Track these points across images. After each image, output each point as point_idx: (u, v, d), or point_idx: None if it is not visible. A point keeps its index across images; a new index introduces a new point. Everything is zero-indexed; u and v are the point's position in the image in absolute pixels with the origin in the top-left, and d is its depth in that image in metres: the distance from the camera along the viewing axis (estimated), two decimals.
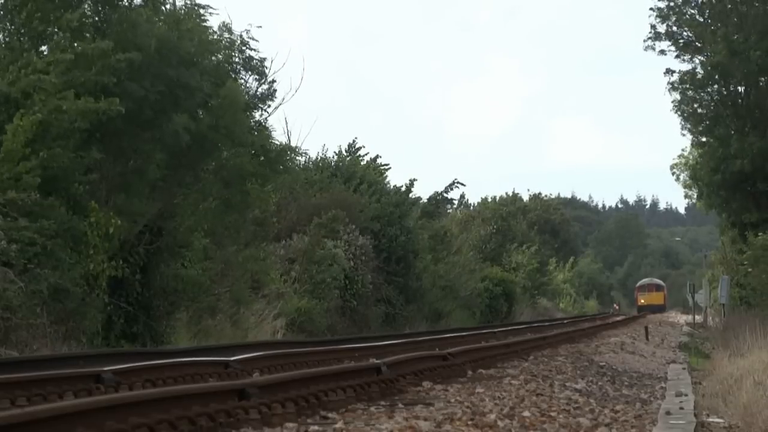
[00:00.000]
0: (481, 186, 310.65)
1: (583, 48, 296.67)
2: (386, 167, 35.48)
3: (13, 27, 16.86)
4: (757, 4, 36.78)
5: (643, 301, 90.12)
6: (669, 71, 38.64)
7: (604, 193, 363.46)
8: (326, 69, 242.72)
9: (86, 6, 17.37)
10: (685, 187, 51.25)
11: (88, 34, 16.84)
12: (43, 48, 16.78)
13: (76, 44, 16.26)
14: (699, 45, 38.70)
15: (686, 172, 49.71)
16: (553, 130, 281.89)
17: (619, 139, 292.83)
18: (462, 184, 50.54)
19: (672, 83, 38.19)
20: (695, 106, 38.62)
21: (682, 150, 51.26)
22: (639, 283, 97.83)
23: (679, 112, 38.72)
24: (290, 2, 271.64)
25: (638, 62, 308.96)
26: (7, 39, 16.97)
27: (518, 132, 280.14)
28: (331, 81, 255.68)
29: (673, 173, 51.59)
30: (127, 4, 17.88)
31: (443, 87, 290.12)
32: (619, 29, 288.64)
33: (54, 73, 15.30)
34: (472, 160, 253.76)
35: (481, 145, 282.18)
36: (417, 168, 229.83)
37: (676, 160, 51.84)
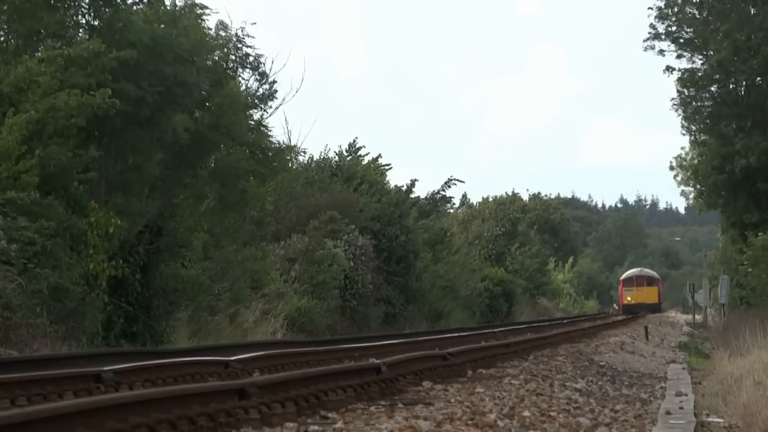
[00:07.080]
0: (496, 185, 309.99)
1: (612, 45, 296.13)
2: (387, 167, 35.52)
3: (6, 27, 16.83)
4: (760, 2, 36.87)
5: (630, 298, 67.17)
6: (669, 69, 38.75)
7: (604, 192, 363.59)
8: (363, 60, 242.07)
9: (81, 7, 17.31)
10: (681, 185, 51.41)
11: (81, 30, 16.80)
12: (38, 50, 16.73)
13: (68, 46, 16.21)
14: (699, 43, 38.77)
15: (684, 172, 49.81)
16: (587, 129, 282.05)
17: (620, 138, 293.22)
18: (460, 181, 50.47)
19: (679, 77, 38.29)
20: (696, 104, 38.70)
21: (681, 149, 51.46)
22: (624, 275, 72.31)
23: (681, 108, 38.81)
24: None
25: (647, 61, 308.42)
26: (1, 38, 16.94)
27: (546, 131, 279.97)
28: (368, 73, 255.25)
29: (671, 170, 51.80)
30: (122, 1, 17.85)
31: (481, 82, 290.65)
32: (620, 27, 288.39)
33: (48, 72, 15.26)
34: (501, 156, 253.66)
35: (511, 142, 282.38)
36: (446, 164, 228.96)
37: (673, 162, 51.99)
